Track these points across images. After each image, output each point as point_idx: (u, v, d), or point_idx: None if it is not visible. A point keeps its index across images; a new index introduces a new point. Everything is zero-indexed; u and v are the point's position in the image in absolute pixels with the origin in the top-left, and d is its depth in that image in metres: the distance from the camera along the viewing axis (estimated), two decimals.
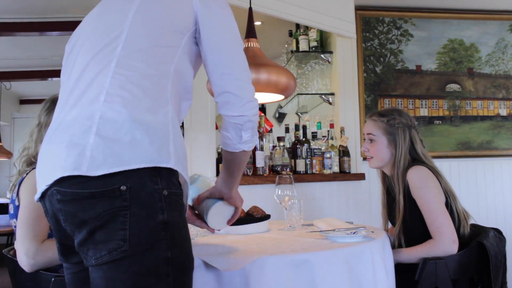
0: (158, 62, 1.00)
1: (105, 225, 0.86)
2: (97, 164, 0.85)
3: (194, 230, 1.58)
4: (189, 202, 1.34)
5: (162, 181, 0.90)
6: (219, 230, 1.33)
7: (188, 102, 1.11)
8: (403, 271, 1.58)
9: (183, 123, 2.65)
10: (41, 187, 0.93)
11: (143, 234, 0.86)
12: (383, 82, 3.41)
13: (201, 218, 1.31)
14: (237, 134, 1.10)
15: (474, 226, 1.73)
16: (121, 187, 0.86)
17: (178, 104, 1.05)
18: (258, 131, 2.57)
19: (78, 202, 0.87)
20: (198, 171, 2.38)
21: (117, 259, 0.85)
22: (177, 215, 0.93)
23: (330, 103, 3.14)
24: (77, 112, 0.93)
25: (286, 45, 3.57)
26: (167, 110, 0.97)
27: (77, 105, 0.94)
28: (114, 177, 0.86)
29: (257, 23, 3.57)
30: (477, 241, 1.56)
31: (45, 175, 0.92)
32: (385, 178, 1.87)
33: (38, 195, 0.95)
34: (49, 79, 5.68)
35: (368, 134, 1.81)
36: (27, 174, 1.45)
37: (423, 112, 3.46)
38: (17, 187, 1.46)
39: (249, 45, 1.99)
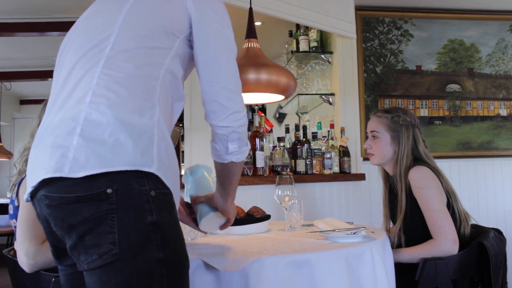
0: (147, 63, 0.98)
1: (93, 229, 0.85)
2: (79, 166, 0.84)
3: (194, 231, 1.57)
4: (187, 199, 1.34)
5: (149, 182, 0.88)
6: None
7: (181, 102, 1.09)
8: (403, 271, 1.58)
9: (183, 123, 2.65)
10: (28, 189, 0.93)
11: (132, 236, 0.85)
12: (383, 82, 3.41)
13: (194, 218, 1.31)
14: (223, 145, 1.08)
15: (474, 227, 1.73)
16: (107, 190, 0.84)
17: (169, 106, 1.03)
18: (258, 131, 2.56)
19: (65, 206, 0.86)
20: None
21: (109, 263, 0.84)
22: (167, 215, 0.91)
23: (330, 103, 3.14)
24: (63, 113, 0.92)
25: (286, 45, 3.56)
26: (153, 113, 0.94)
27: (64, 107, 0.93)
28: (100, 180, 0.84)
29: (257, 23, 3.57)
30: (478, 242, 1.56)
31: (31, 177, 0.91)
32: (387, 177, 1.87)
33: (26, 197, 0.95)
34: (49, 79, 5.67)
35: (372, 131, 1.81)
36: (26, 174, 1.45)
37: (423, 112, 3.46)
38: (16, 187, 1.46)
39: (249, 45, 1.99)
